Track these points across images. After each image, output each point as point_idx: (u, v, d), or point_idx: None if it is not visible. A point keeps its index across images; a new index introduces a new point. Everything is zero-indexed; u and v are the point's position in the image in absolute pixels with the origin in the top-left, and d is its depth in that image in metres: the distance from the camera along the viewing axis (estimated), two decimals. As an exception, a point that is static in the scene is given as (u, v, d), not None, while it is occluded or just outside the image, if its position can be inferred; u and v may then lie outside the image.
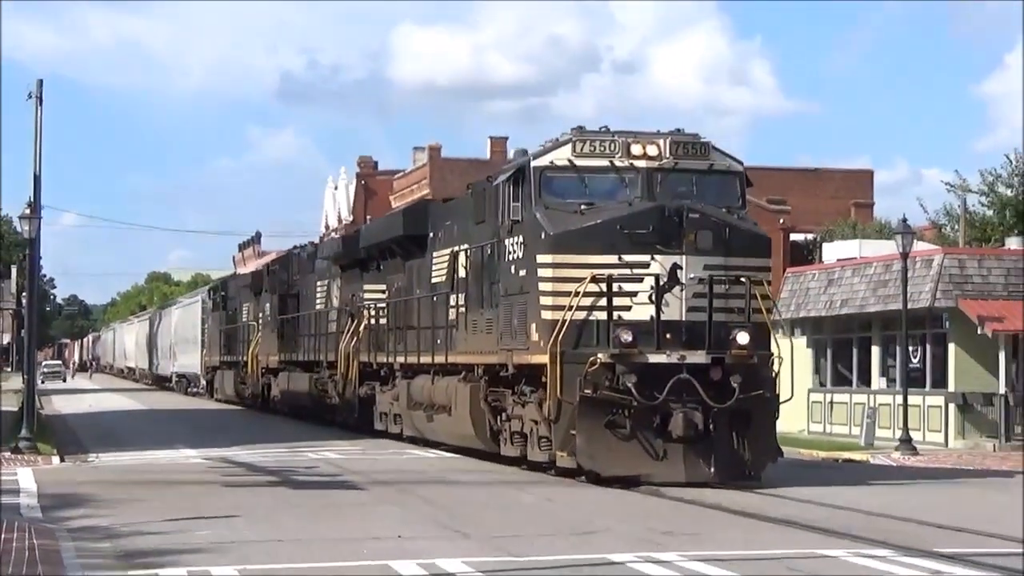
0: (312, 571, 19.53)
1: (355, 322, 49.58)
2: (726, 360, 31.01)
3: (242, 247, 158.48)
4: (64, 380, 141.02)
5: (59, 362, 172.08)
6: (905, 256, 46.02)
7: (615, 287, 31.05)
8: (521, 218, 32.81)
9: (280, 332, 63.71)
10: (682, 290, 30.99)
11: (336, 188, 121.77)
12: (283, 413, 63.65)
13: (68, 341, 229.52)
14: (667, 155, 32.37)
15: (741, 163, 33.73)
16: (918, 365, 51.29)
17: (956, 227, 70.46)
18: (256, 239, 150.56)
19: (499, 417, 35.69)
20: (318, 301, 57.54)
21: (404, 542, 22.21)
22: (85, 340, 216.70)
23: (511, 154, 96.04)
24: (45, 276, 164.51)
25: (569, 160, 32.44)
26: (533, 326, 31.97)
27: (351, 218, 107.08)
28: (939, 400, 49.91)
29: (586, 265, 31.20)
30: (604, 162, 32.44)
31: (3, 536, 21.49)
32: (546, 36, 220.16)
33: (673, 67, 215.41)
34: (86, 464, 40.66)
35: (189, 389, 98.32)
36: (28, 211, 45.33)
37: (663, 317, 30.97)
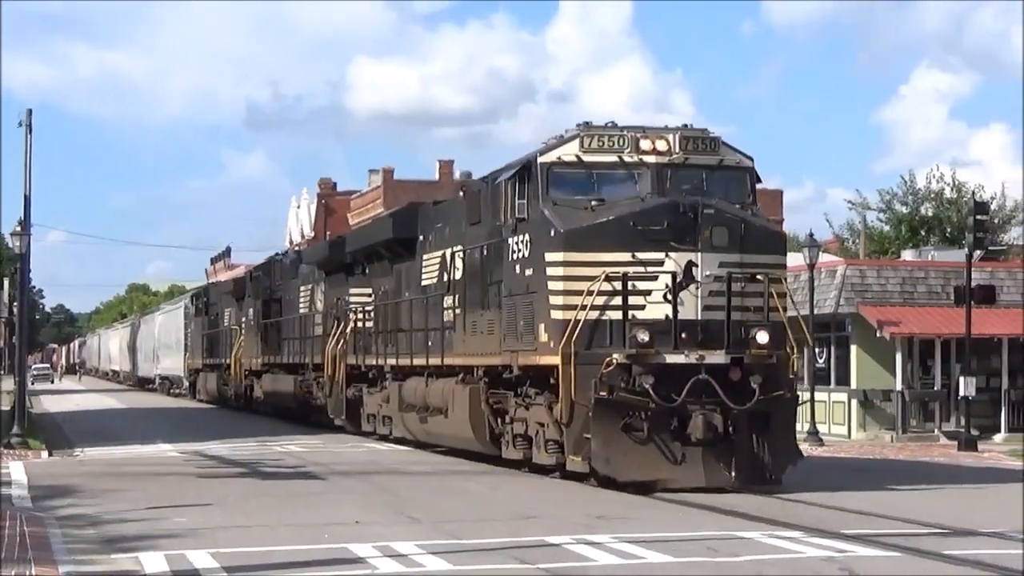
0: (278, 554, 19.00)
1: (341, 325, 45.51)
2: (745, 360, 26.98)
3: (214, 260, 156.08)
4: (52, 382, 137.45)
5: (48, 365, 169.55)
6: (812, 267, 47.84)
7: (611, 287, 27.02)
8: (527, 216, 28.79)
9: (263, 336, 59.83)
10: (698, 288, 26.99)
11: (299, 207, 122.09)
12: (266, 413, 59.66)
13: (56, 346, 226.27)
14: (677, 150, 28.33)
15: (751, 159, 29.60)
16: (824, 365, 52.82)
17: (857, 241, 75.16)
18: (227, 253, 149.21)
19: (500, 420, 31.53)
20: (301, 305, 53.65)
21: (361, 527, 22.20)
22: (72, 345, 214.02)
23: (457, 175, 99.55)
24: (34, 287, 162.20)
25: (577, 156, 28.39)
26: (542, 326, 27.95)
27: (312, 234, 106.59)
28: (843, 396, 51.88)
29: (598, 263, 27.10)
30: (613, 157, 28.35)
31: (-2, 522, 21.55)
32: (487, 69, 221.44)
33: (603, 96, 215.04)
34: (72, 458, 39.80)
35: (172, 390, 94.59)
36: (19, 228, 46.07)
37: (679, 316, 27.01)
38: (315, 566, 18.09)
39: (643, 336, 26.57)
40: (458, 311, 33.54)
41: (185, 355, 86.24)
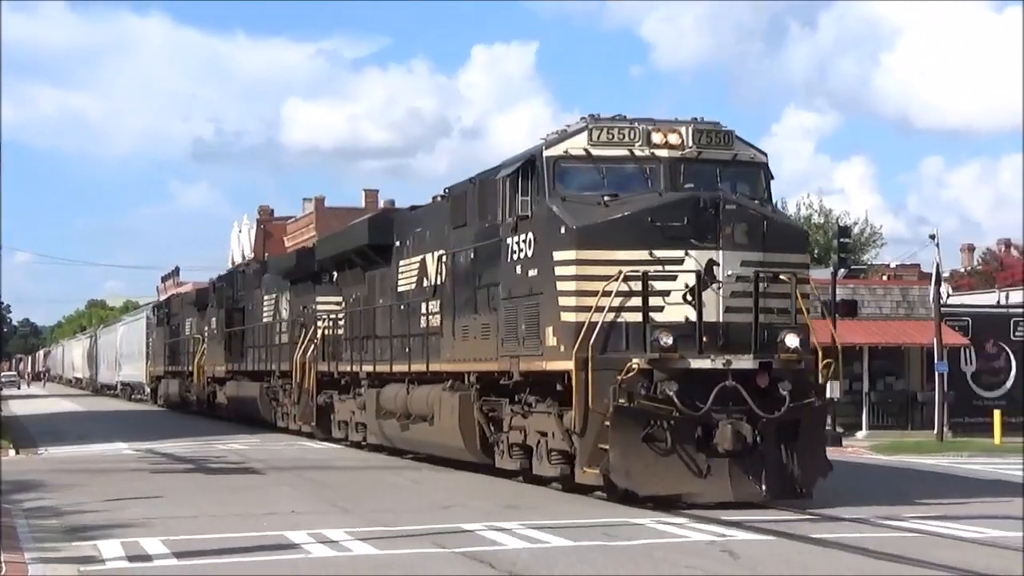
0: (222, 541, 18.68)
1: (309, 333, 40.23)
2: (774, 365, 22.15)
3: (164, 279, 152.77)
4: (19, 388, 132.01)
5: (15, 373, 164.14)
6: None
7: (628, 287, 22.08)
8: (530, 213, 23.81)
9: (227, 344, 54.39)
10: (719, 288, 22.10)
11: (240, 231, 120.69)
12: (229, 419, 54.08)
13: (23, 356, 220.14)
14: (690, 144, 23.44)
15: (765, 153, 24.75)
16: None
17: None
18: (176, 272, 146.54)
19: (493, 428, 26.50)
20: (265, 314, 48.37)
21: (297, 516, 21.91)
22: (37, 355, 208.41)
23: (381, 203, 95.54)
24: (2, 303, 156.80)
25: (585, 149, 23.44)
26: (549, 330, 22.96)
27: (252, 255, 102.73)
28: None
29: (613, 262, 22.18)
30: (623, 151, 23.42)
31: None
32: (407, 108, 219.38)
33: (509, 133, 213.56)
34: (37, 456, 38.38)
35: (133, 396, 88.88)
36: None
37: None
38: (255, 551, 17.74)
39: (666, 339, 21.67)
40: (445, 316, 28.45)
41: (147, 363, 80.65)
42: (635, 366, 21.58)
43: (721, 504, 21.58)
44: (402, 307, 31.94)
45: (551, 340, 22.88)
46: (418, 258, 31.21)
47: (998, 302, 56.38)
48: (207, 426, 52.26)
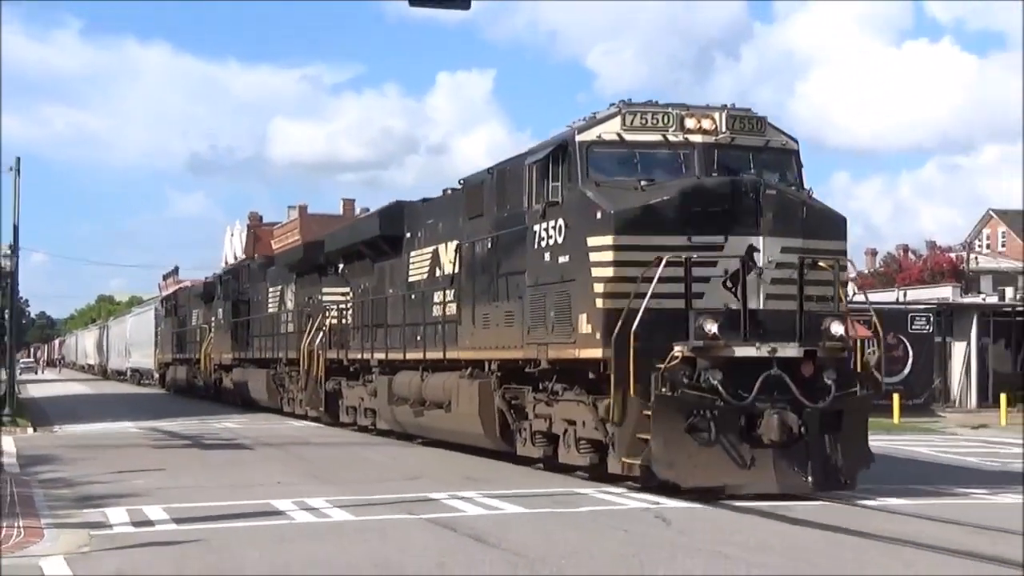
0: (216, 508, 18.28)
1: (315, 322, 36.58)
2: (819, 353, 18.86)
3: (165, 277, 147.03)
4: (37, 373, 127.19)
5: (33, 360, 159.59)
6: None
7: (672, 272, 18.61)
8: (561, 199, 20.39)
9: (233, 333, 50.64)
10: (759, 275, 18.84)
11: (232, 235, 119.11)
12: (234, 403, 50.29)
13: (40, 344, 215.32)
14: (723, 129, 20.12)
15: (796, 140, 21.43)
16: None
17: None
18: (175, 271, 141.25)
19: (516, 415, 23.03)
20: (271, 305, 44.74)
21: (282, 486, 21.41)
22: (53, 344, 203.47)
23: (357, 211, 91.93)
24: (21, 298, 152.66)
25: (618, 134, 20.03)
26: (583, 317, 19.53)
27: (243, 256, 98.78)
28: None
29: (651, 247, 18.76)
30: (656, 136, 20.04)
31: (-12, 484, 20.69)
32: (380, 127, 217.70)
33: (469, 151, 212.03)
34: (52, 433, 37.07)
35: (142, 381, 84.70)
36: (9, 251, 45.43)
37: (739, 305, 18.75)
38: (245, 518, 17.45)
39: (711, 327, 18.33)
40: (463, 304, 25.00)
41: (155, 351, 76.69)
42: (679, 354, 18.31)
43: (763, 495, 18.39)
44: (413, 296, 28.55)
45: (585, 327, 19.54)
46: (430, 248, 27.86)
47: (897, 299, 55.01)
48: (207, 408, 50.15)
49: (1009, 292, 56.42)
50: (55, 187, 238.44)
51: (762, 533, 15.87)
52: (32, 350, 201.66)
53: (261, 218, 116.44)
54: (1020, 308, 53.08)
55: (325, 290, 37.24)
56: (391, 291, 30.60)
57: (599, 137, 20.18)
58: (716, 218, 19.00)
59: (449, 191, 28.52)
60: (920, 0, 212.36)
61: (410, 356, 28.16)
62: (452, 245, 26.28)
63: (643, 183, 19.69)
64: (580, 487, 20.44)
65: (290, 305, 41.85)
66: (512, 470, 23.07)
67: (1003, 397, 44.33)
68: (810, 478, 18.67)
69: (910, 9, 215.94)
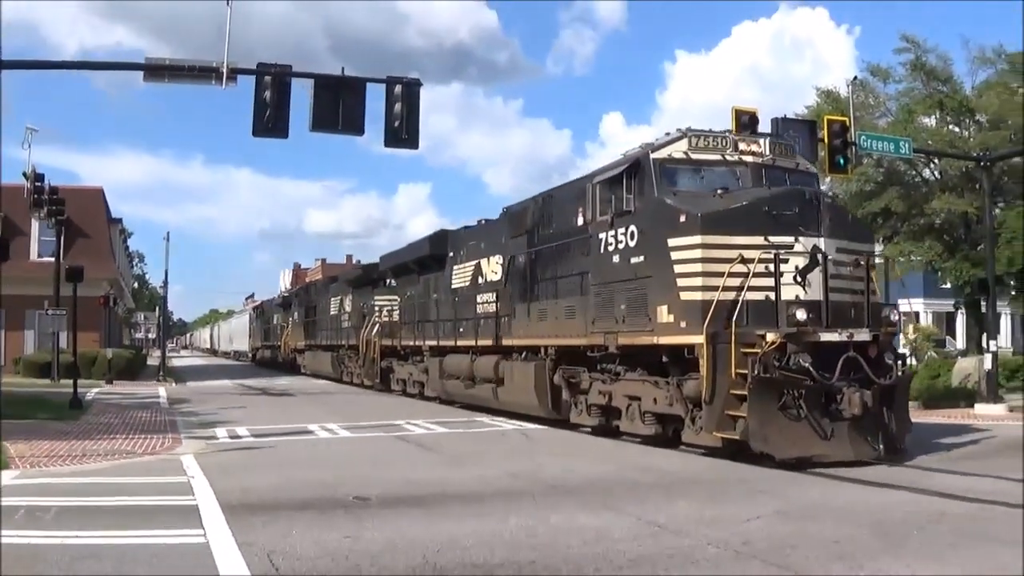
0: (275, 429, 16.14)
1: (370, 319, 28.50)
2: (879, 337, 11.84)
3: (246, 299, 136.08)
4: (177, 353, 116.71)
5: (175, 345, 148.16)
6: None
7: (762, 268, 11.48)
8: (634, 208, 13.09)
9: (305, 328, 41.73)
10: (821, 271, 11.77)
11: (284, 275, 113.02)
12: (306, 375, 41.12)
13: (179, 336, 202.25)
14: (768, 153, 13.09)
15: (815, 166, 14.53)
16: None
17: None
18: (251, 296, 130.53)
19: (571, 391, 15.54)
20: (332, 309, 36.13)
21: (313, 416, 18.71)
22: (186, 336, 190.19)
23: (354, 261, 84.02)
24: (169, 310, 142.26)
25: (685, 153, 12.89)
26: (662, 308, 12.19)
27: (289, 287, 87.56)
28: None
29: (734, 246, 11.60)
30: (716, 156, 12.92)
31: (152, 415, 18.89)
32: (367, 215, 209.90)
33: (416, 228, 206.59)
34: (185, 386, 32.39)
35: (239, 359, 73.94)
36: (163, 284, 44.76)
37: (807, 297, 11.59)
38: (291, 434, 15.29)
39: (802, 315, 11.18)
40: (517, 302, 17.30)
41: (249, 339, 66.58)
42: (775, 339, 11.05)
43: (838, 462, 11.11)
44: (456, 299, 20.92)
45: (666, 317, 12.17)
46: (472, 263, 20.21)
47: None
48: (277, 373, 43.73)
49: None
50: (189, 248, 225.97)
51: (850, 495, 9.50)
52: (175, 339, 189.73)
53: (299, 265, 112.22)
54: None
55: (376, 297, 29.01)
56: (435, 296, 22.80)
57: (669, 155, 12.89)
58: (788, 221, 11.80)
59: (483, 221, 21.04)
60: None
61: (461, 343, 20.35)
62: (495, 259, 18.78)
63: (720, 191, 12.40)
64: (479, 416, 18.40)
65: (348, 308, 33.41)
66: (453, 411, 19.82)
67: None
68: (881, 446, 11.46)
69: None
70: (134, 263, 73.20)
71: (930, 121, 29.06)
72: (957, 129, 28.80)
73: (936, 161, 28.79)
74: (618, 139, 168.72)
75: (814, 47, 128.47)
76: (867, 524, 7.75)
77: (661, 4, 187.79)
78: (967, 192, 27.44)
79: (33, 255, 36.41)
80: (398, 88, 14.52)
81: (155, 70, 14.02)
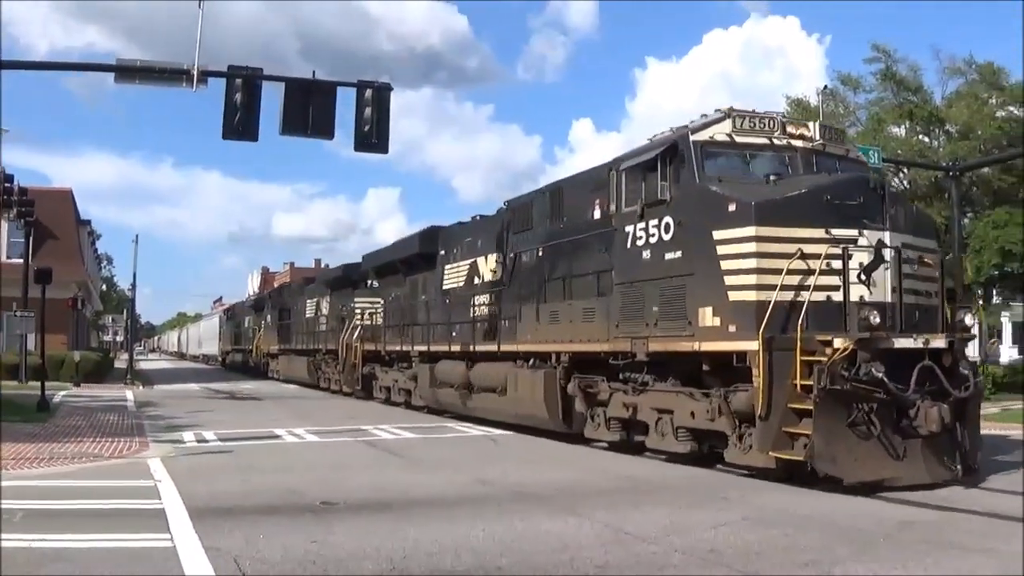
0: (242, 433, 15.88)
1: (350, 322, 26.69)
2: (955, 344, 10.28)
3: (214, 303, 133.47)
4: (145, 356, 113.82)
5: (143, 348, 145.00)
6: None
7: (825, 264, 9.89)
8: (668, 197, 11.44)
9: (279, 332, 39.73)
10: (886, 269, 10.20)
11: (252, 279, 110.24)
12: (280, 380, 38.77)
13: (146, 339, 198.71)
14: (818, 137, 11.54)
15: (864, 154, 13.10)
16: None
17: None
18: (220, 299, 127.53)
19: (587, 403, 13.88)
20: (308, 312, 34.21)
21: (280, 421, 18.42)
22: (154, 339, 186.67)
23: (323, 265, 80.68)
24: (137, 313, 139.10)
25: (729, 135, 11.27)
26: (707, 310, 10.55)
27: (257, 291, 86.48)
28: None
29: (792, 239, 9.96)
30: (763, 139, 11.33)
31: (120, 418, 18.51)
32: (335, 219, 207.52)
33: (384, 234, 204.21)
34: (152, 389, 31.81)
35: (209, 362, 71.66)
36: (131, 287, 43.19)
37: (871, 298, 10.04)
38: (259, 438, 15.10)
39: (876, 318, 9.65)
40: (524, 303, 15.59)
41: (219, 343, 64.27)
42: (846, 346, 9.54)
43: (912, 486, 9.63)
44: (448, 300, 19.27)
45: (710, 320, 10.60)
46: (467, 261, 18.57)
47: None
48: (243, 377, 42.60)
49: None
50: (157, 251, 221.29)
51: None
52: (143, 342, 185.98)
53: (268, 269, 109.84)
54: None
55: (357, 299, 27.31)
56: (423, 297, 21.14)
57: (711, 138, 11.34)
58: (851, 212, 10.30)
59: (478, 217, 19.44)
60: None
61: (454, 348, 18.66)
62: (494, 257, 17.17)
63: (773, 177, 10.89)
64: (447, 422, 18.05)
65: (325, 311, 31.54)
66: (419, 416, 19.70)
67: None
68: (959, 467, 10.03)
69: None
70: (102, 265, 70.76)
71: (900, 131, 28.68)
72: (927, 139, 28.37)
73: (905, 171, 28.16)
74: (588, 145, 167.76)
75: (785, 55, 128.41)
76: (834, 531, 7.63)
77: (632, 11, 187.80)
78: (936, 202, 26.79)
79: (3, 256, 34.59)
80: (368, 92, 14.23)
81: (126, 71, 13.87)
